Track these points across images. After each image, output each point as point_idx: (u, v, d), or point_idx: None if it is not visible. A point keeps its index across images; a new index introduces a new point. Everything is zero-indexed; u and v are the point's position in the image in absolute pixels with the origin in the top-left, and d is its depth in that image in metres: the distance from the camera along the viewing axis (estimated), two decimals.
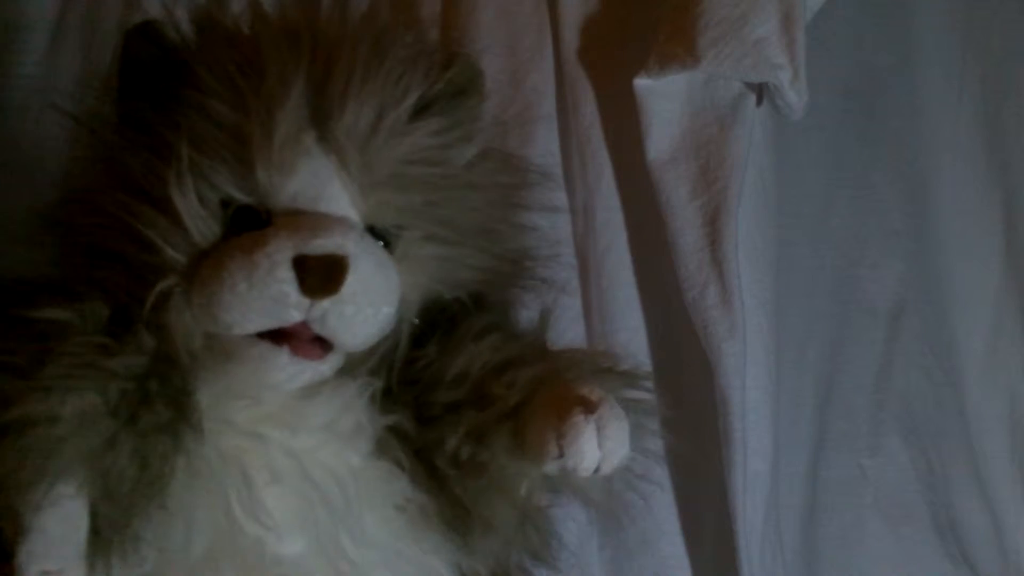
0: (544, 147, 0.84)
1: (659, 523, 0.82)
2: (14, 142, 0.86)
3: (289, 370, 0.55)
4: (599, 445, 0.50)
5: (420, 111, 0.57)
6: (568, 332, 0.81)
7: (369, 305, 0.54)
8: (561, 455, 0.50)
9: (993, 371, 0.94)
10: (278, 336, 0.54)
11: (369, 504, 0.56)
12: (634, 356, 0.83)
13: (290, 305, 0.52)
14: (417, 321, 0.58)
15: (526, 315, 0.63)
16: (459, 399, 0.55)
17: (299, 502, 0.54)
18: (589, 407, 0.50)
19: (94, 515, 0.50)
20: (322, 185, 0.55)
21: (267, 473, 0.54)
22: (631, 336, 0.84)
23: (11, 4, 0.90)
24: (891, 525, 0.90)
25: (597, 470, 0.50)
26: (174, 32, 0.59)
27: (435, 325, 0.58)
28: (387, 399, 0.57)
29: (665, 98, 0.84)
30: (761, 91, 0.84)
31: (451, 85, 0.59)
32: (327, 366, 0.56)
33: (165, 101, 0.56)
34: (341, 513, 0.55)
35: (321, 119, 0.55)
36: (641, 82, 0.83)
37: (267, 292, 0.52)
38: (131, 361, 0.52)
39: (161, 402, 0.52)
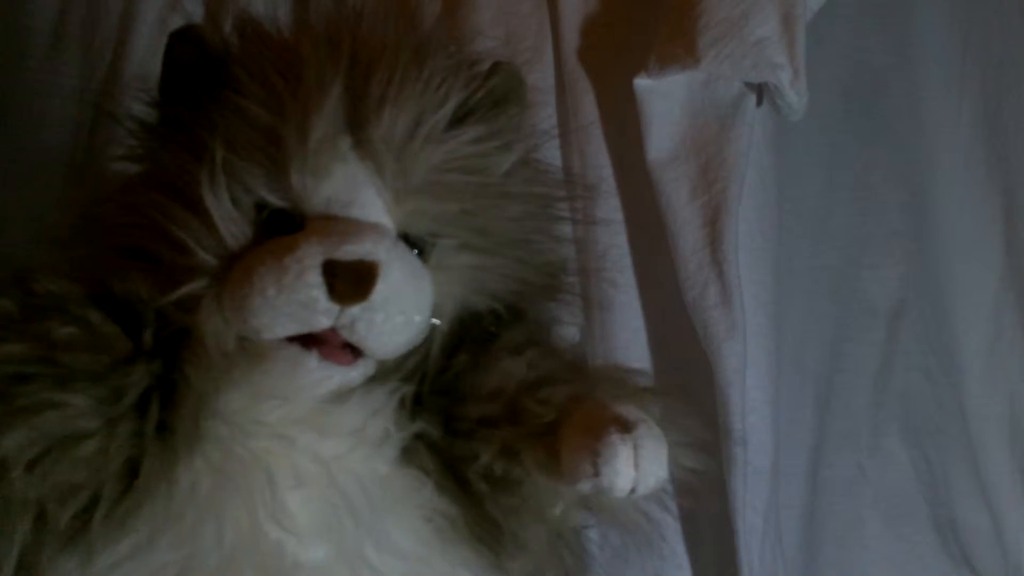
0: (545, 146, 0.84)
1: (659, 523, 0.82)
2: (17, 143, 0.86)
3: (318, 374, 0.55)
4: (635, 466, 0.49)
5: (459, 119, 0.57)
6: (568, 332, 0.81)
7: (400, 313, 0.54)
8: (596, 474, 0.49)
9: (993, 371, 0.94)
10: (308, 341, 0.54)
11: (395, 513, 0.55)
12: (634, 356, 0.84)
13: (319, 311, 0.52)
14: (445, 328, 0.57)
15: (563, 331, 0.62)
16: (494, 414, 0.54)
17: (323, 508, 0.54)
18: (626, 427, 0.50)
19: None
20: (356, 191, 0.55)
21: (292, 476, 0.54)
22: (631, 336, 0.84)
23: (12, 6, 0.90)
24: (891, 525, 0.90)
25: (632, 491, 0.49)
26: (215, 36, 0.59)
27: (468, 335, 0.58)
28: (417, 407, 0.57)
29: (665, 98, 0.84)
30: (761, 91, 0.84)
31: (492, 94, 0.59)
32: (357, 372, 0.56)
33: (204, 103, 0.56)
34: (366, 520, 0.54)
35: (357, 124, 0.54)
36: (641, 82, 0.83)
37: (296, 297, 0.52)
38: (131, 370, 0.52)
39: (154, 410, 0.52)
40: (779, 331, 0.85)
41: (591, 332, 0.84)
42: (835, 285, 0.93)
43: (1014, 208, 0.95)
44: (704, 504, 0.83)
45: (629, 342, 0.84)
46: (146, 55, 0.85)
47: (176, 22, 0.86)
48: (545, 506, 0.54)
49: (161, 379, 0.53)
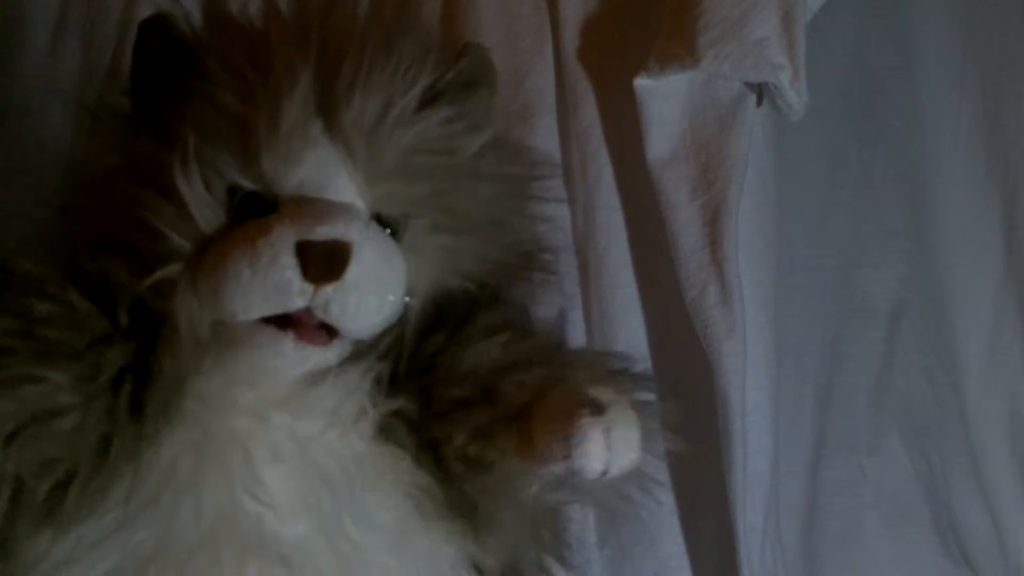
0: (544, 147, 0.84)
1: (659, 522, 0.82)
2: (15, 140, 0.86)
3: (293, 356, 0.55)
4: (607, 448, 0.50)
5: (429, 101, 0.57)
6: (568, 332, 0.81)
7: (373, 293, 0.54)
8: (568, 457, 0.50)
9: (993, 371, 0.94)
10: (282, 322, 0.54)
11: (374, 489, 0.56)
12: (634, 356, 0.84)
13: (293, 292, 0.53)
14: (419, 307, 0.58)
15: (540, 313, 0.62)
16: (468, 396, 0.55)
17: (302, 483, 0.55)
18: (598, 409, 0.50)
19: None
20: (329, 175, 0.55)
21: (269, 453, 0.54)
22: (631, 336, 0.84)
23: (10, 11, 0.90)
24: (891, 525, 0.90)
25: (604, 474, 0.50)
26: (185, 24, 0.59)
27: (444, 315, 0.58)
28: (393, 385, 0.57)
29: (665, 98, 0.84)
30: (761, 91, 0.84)
31: (461, 76, 0.60)
32: (332, 353, 0.56)
33: (174, 91, 0.56)
34: (344, 496, 0.55)
35: (328, 109, 0.55)
36: (641, 82, 0.83)
37: (270, 279, 0.52)
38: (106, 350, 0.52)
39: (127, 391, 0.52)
40: (779, 331, 0.85)
41: (591, 332, 0.84)
42: (835, 285, 0.93)
43: (1014, 208, 0.94)
44: (704, 504, 0.83)
45: (629, 342, 0.84)
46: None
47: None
48: (520, 487, 0.55)
49: (137, 360, 0.53)
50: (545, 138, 0.85)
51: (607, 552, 0.82)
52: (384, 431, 0.57)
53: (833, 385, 0.92)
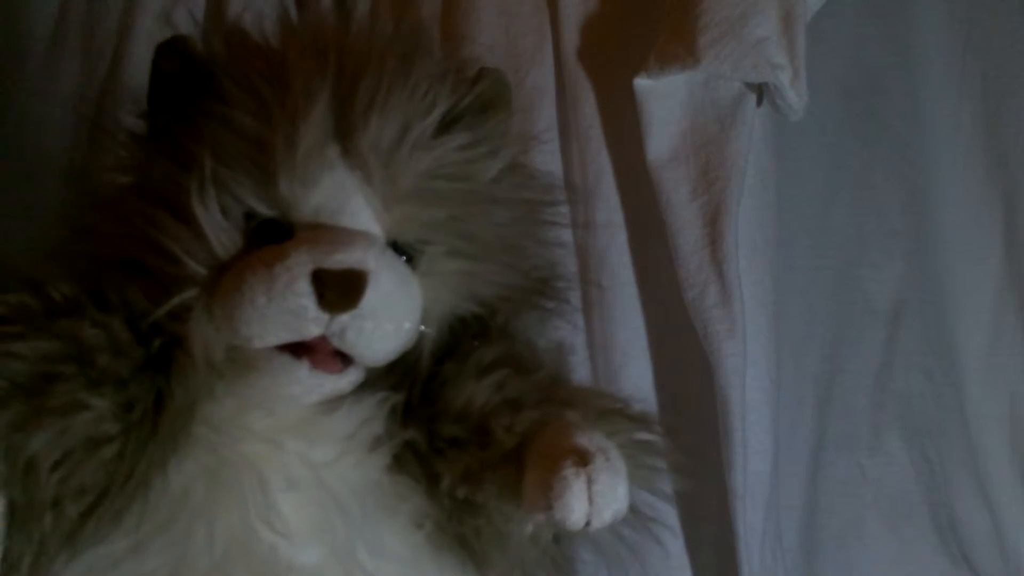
0: (544, 147, 0.84)
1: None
2: (15, 147, 0.86)
3: (308, 383, 0.55)
4: (588, 500, 0.48)
5: (446, 126, 0.57)
6: (568, 333, 0.81)
7: (389, 320, 0.54)
8: (550, 508, 0.49)
9: (993, 371, 0.94)
10: (298, 349, 0.54)
11: (387, 518, 0.56)
12: (634, 356, 0.84)
13: (308, 319, 0.52)
14: (434, 335, 0.57)
15: (556, 334, 0.62)
16: (461, 436, 0.55)
17: (316, 511, 0.54)
18: (583, 459, 0.49)
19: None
20: (345, 199, 0.55)
21: (284, 480, 0.54)
22: (632, 336, 0.84)
23: (11, 11, 0.90)
24: (891, 525, 0.90)
25: (587, 525, 0.49)
26: (202, 46, 0.59)
27: (459, 341, 0.58)
28: (407, 413, 0.57)
29: (665, 98, 0.84)
30: (761, 91, 0.84)
31: (479, 100, 0.59)
32: (346, 380, 0.56)
33: (191, 113, 0.56)
34: (358, 524, 0.55)
35: (345, 133, 0.54)
36: (641, 82, 0.83)
37: (285, 306, 0.52)
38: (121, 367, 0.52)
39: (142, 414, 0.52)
40: (779, 331, 0.85)
41: (591, 332, 0.84)
42: (835, 285, 0.93)
43: (1014, 208, 0.95)
44: (704, 504, 0.83)
45: (629, 342, 0.84)
46: (145, 59, 0.83)
47: (177, 25, 0.86)
48: (513, 528, 0.54)
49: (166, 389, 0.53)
50: (545, 138, 0.85)
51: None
52: (398, 461, 0.56)
53: (833, 385, 0.92)
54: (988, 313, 0.94)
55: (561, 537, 0.57)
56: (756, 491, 0.80)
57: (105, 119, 0.72)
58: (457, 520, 0.54)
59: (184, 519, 0.53)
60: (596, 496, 0.49)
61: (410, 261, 0.56)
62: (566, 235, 0.65)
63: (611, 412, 0.56)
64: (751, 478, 0.80)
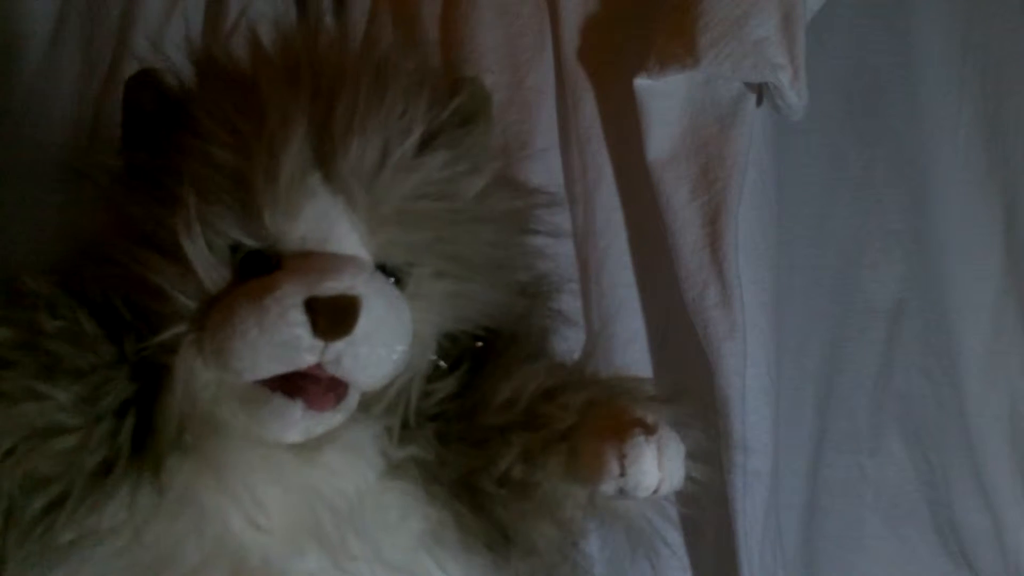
0: (544, 147, 0.84)
1: (660, 527, 0.82)
2: (14, 148, 0.86)
3: (303, 424, 0.54)
4: (659, 466, 0.51)
5: (427, 142, 0.56)
6: (567, 333, 0.81)
7: (382, 344, 0.54)
8: (623, 474, 0.51)
9: (993, 371, 0.94)
10: (291, 388, 0.53)
11: (384, 524, 0.56)
12: (634, 356, 0.84)
13: (303, 349, 0.52)
14: (435, 358, 0.58)
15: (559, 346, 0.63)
16: (510, 421, 0.55)
17: (309, 517, 0.54)
18: (649, 429, 0.51)
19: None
20: (330, 226, 0.54)
21: (276, 485, 0.54)
22: (631, 336, 0.84)
23: (10, 11, 0.90)
24: (891, 525, 0.90)
25: (656, 491, 0.51)
26: (172, 78, 0.58)
27: (455, 359, 0.58)
28: (404, 432, 0.57)
29: (665, 98, 0.84)
30: (761, 91, 0.84)
31: (457, 114, 0.58)
32: (340, 415, 0.55)
33: (167, 149, 0.55)
34: (354, 530, 0.55)
35: (325, 158, 0.53)
36: (641, 82, 0.83)
37: (279, 337, 0.52)
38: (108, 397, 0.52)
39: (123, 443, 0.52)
40: (779, 331, 0.85)
41: (591, 331, 0.84)
42: (835, 285, 0.93)
43: (1014, 208, 0.95)
44: (704, 504, 0.83)
45: (629, 342, 0.84)
46: (145, 57, 0.85)
47: (177, 23, 0.86)
48: (555, 509, 0.55)
49: (140, 398, 0.53)
50: (545, 138, 0.85)
51: (608, 553, 0.82)
52: (396, 470, 0.56)
53: (833, 385, 0.92)
54: (988, 313, 0.94)
55: (591, 523, 0.58)
56: (756, 491, 0.80)
57: (105, 119, 0.72)
58: (504, 506, 0.55)
59: (173, 521, 0.52)
60: (666, 461, 0.51)
61: (398, 283, 0.56)
62: (562, 240, 0.65)
63: (652, 398, 0.57)
64: (751, 478, 0.80)
